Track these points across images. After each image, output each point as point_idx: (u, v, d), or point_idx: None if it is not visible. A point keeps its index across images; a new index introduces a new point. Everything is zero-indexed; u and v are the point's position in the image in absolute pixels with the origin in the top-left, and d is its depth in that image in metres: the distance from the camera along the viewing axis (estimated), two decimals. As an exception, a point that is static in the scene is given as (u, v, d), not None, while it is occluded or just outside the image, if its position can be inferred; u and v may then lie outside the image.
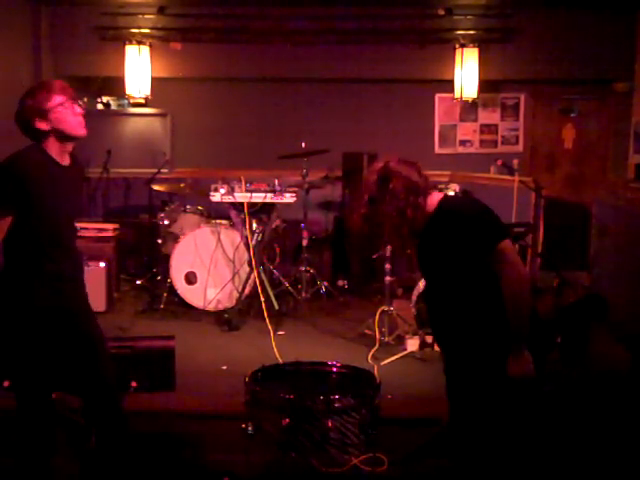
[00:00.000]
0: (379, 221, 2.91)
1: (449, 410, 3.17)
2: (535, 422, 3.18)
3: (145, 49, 8.05)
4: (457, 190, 7.99)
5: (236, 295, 6.58)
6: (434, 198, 2.95)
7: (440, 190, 7.89)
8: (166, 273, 6.80)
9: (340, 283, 7.66)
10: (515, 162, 7.42)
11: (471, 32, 8.16)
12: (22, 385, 3.11)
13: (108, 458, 3.21)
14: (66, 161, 3.12)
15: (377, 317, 5.72)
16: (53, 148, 3.06)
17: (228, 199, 6.47)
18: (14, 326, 3.00)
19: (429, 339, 5.57)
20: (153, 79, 8.14)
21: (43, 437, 3.12)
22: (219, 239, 6.71)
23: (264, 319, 5.92)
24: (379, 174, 2.92)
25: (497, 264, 2.81)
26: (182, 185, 7.35)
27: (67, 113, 3.04)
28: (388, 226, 2.90)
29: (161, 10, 8.08)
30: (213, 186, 6.51)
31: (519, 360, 2.84)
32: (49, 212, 3.03)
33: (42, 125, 3.02)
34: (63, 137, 3.06)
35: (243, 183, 6.44)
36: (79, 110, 3.07)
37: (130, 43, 7.99)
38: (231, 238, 6.72)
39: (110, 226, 6.99)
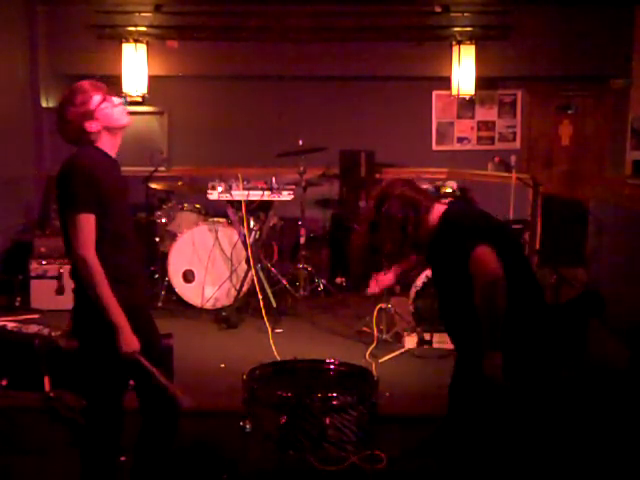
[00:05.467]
0: (380, 243, 2.97)
1: (448, 407, 3.19)
2: (542, 415, 3.20)
3: (142, 47, 8.04)
4: (454, 187, 8.01)
5: (234, 293, 6.58)
6: (438, 210, 2.98)
7: (438, 188, 7.93)
8: (164, 271, 6.80)
9: (338, 280, 7.66)
10: (512, 159, 7.43)
11: (468, 29, 8.16)
12: (103, 389, 3.13)
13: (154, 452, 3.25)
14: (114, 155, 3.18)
15: (375, 314, 5.72)
16: (107, 145, 3.11)
17: (226, 197, 6.46)
18: (100, 329, 2.98)
19: (427, 336, 5.58)
20: (150, 77, 8.14)
21: (115, 437, 3.16)
22: (217, 237, 6.71)
23: (262, 317, 5.93)
24: (375, 199, 2.98)
25: (472, 273, 2.82)
26: (179, 183, 7.36)
27: (109, 108, 3.09)
28: (389, 246, 2.95)
29: (158, 8, 8.06)
30: (210, 184, 6.51)
31: (489, 362, 2.82)
32: (117, 211, 3.06)
33: (92, 127, 3.06)
34: (113, 131, 3.12)
35: (240, 181, 6.43)
36: (117, 101, 3.14)
37: (127, 41, 7.98)
38: (229, 236, 6.72)
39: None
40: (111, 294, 2.94)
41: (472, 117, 8.85)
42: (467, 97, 8.34)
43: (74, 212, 2.92)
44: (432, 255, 3.07)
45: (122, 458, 3.35)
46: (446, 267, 3.00)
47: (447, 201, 3.14)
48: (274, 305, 6.35)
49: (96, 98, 3.06)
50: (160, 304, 6.68)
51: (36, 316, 6.27)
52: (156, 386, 3.13)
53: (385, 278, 3.56)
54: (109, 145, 3.12)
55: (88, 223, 2.93)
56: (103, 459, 3.16)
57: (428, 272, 5.82)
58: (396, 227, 2.93)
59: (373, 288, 3.62)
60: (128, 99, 8.23)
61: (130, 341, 2.97)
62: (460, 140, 8.88)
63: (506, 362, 2.86)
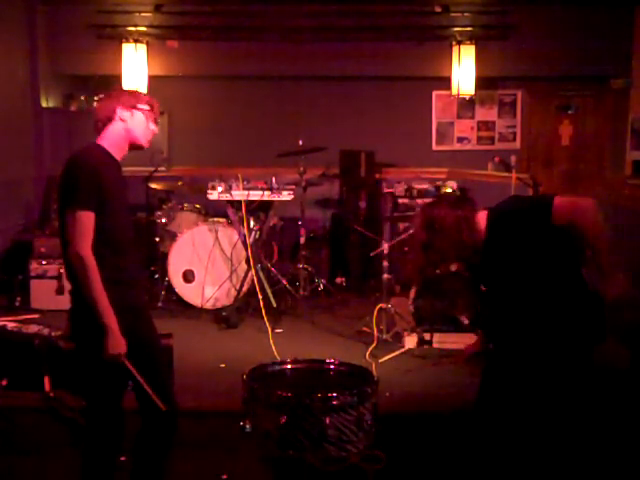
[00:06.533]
0: (441, 257, 3.13)
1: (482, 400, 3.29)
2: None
3: (142, 47, 8.04)
4: (454, 187, 8.01)
5: (234, 293, 6.58)
6: (482, 215, 3.15)
7: (438, 188, 7.94)
8: (164, 271, 6.80)
9: (338, 280, 7.66)
10: (512, 159, 7.42)
11: (468, 29, 8.17)
12: (101, 390, 3.13)
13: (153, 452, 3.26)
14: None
15: (375, 314, 5.72)
16: (115, 147, 3.14)
17: (226, 197, 6.46)
18: (97, 331, 2.97)
19: (427, 336, 5.57)
20: (150, 77, 8.14)
21: (114, 438, 3.16)
22: (217, 237, 6.71)
23: (262, 317, 5.93)
24: (423, 220, 3.15)
25: (566, 218, 2.94)
26: (180, 183, 7.35)
27: (145, 122, 3.17)
28: (452, 256, 3.14)
29: (158, 8, 8.07)
30: (210, 184, 6.51)
31: (614, 282, 2.95)
32: (116, 212, 3.06)
33: (122, 115, 3.12)
34: (130, 139, 3.16)
35: (240, 181, 6.43)
36: (154, 128, 3.22)
37: (127, 41, 7.98)
38: (229, 236, 6.72)
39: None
40: (104, 294, 2.94)
41: (472, 117, 8.86)
42: (467, 97, 8.34)
43: (74, 208, 2.92)
44: (489, 253, 3.16)
45: (122, 458, 3.35)
46: (514, 251, 3.08)
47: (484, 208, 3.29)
48: (274, 305, 6.34)
49: (145, 105, 3.16)
50: (160, 304, 6.68)
51: (36, 316, 6.26)
52: (154, 387, 3.14)
53: (472, 344, 3.61)
54: (117, 148, 3.15)
55: (87, 221, 2.93)
56: (103, 459, 3.16)
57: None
58: (453, 238, 3.07)
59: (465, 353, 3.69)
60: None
61: (117, 344, 2.96)
62: (460, 140, 8.89)
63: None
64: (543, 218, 2.97)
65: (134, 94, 3.22)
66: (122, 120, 3.13)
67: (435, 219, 3.10)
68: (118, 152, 3.16)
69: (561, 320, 3.06)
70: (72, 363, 3.37)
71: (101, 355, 2.98)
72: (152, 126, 3.21)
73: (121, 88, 3.24)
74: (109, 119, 3.13)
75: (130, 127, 3.14)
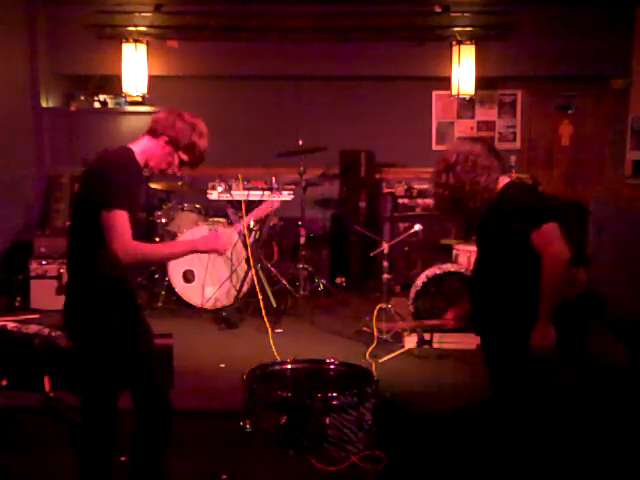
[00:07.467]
0: (458, 185, 3.18)
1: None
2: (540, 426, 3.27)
3: (142, 47, 8.04)
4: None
5: (234, 293, 6.58)
6: (502, 180, 3.19)
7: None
8: (164, 271, 6.80)
9: (338, 280, 7.67)
10: (512, 159, 7.43)
11: (468, 29, 8.16)
12: (94, 385, 3.14)
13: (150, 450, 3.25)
14: None
15: (375, 314, 5.72)
16: (142, 156, 3.15)
17: (226, 197, 6.47)
18: (90, 324, 3.03)
19: (427, 336, 5.57)
20: (150, 77, 8.13)
21: (108, 436, 3.16)
22: (217, 237, 6.70)
23: (262, 317, 5.92)
24: (459, 149, 3.25)
25: (539, 245, 2.97)
26: (179, 183, 7.35)
27: (172, 165, 3.22)
28: (465, 191, 3.16)
29: (158, 8, 8.06)
30: (210, 184, 6.51)
31: (542, 333, 2.97)
32: (132, 218, 3.05)
33: (165, 146, 3.16)
34: (149, 161, 3.18)
35: (240, 181, 6.44)
36: (176, 173, 3.31)
37: (127, 41, 7.98)
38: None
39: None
40: (169, 247, 3.19)
41: (472, 117, 8.85)
42: (467, 97, 8.33)
43: (112, 208, 2.91)
44: (485, 220, 3.23)
45: (122, 458, 3.35)
46: (496, 238, 3.15)
47: (511, 176, 3.28)
48: (274, 305, 6.35)
49: (185, 158, 3.25)
50: (160, 304, 6.68)
51: (36, 316, 6.27)
52: (150, 386, 3.14)
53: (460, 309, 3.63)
54: (143, 158, 3.16)
55: (124, 220, 2.94)
56: (99, 457, 3.16)
57: (428, 272, 5.83)
58: (474, 176, 3.14)
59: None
60: (128, 99, 8.26)
61: (218, 241, 3.15)
62: (460, 140, 8.87)
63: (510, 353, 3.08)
64: (525, 230, 3.00)
65: (192, 140, 3.25)
66: (159, 145, 3.15)
67: (471, 153, 3.18)
68: (142, 160, 3.19)
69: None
70: (71, 362, 3.38)
71: (94, 348, 3.03)
72: (174, 169, 3.25)
73: (193, 121, 3.21)
74: (154, 134, 3.16)
75: (158, 154, 3.17)
